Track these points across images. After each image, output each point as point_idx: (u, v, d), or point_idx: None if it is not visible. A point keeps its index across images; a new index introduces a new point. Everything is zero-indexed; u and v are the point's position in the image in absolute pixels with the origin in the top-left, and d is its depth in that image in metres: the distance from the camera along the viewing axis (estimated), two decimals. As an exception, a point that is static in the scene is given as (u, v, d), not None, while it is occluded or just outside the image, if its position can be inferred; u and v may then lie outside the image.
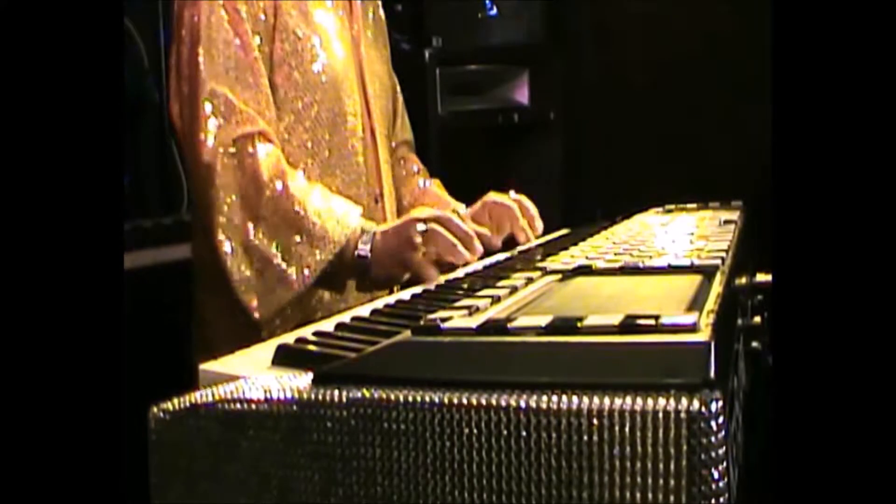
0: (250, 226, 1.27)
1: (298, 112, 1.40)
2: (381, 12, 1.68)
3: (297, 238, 1.27)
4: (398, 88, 1.76)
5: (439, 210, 1.34)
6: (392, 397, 0.59)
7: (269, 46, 1.37)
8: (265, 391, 0.63)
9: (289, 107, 1.39)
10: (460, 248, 1.21)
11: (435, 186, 1.72)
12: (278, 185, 1.28)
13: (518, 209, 1.53)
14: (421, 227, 1.23)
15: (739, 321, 0.99)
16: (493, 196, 1.56)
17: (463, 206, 1.64)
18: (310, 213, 1.28)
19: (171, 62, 1.38)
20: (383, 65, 1.63)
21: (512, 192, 1.58)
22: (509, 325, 0.68)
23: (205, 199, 1.30)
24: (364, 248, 1.27)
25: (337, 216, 1.29)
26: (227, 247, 1.27)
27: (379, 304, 1.03)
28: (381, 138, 1.54)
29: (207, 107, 1.29)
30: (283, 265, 1.27)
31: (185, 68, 1.33)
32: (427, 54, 2.63)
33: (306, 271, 1.27)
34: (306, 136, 1.41)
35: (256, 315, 1.28)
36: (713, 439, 0.51)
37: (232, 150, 1.28)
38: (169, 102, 1.38)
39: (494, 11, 2.74)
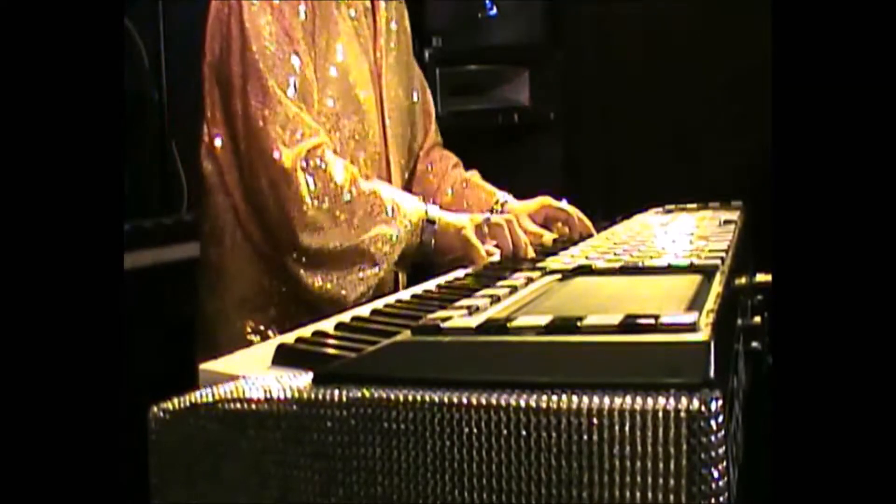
0: (332, 225, 1.34)
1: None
2: (407, 21, 1.69)
3: (380, 221, 1.36)
4: (428, 95, 1.80)
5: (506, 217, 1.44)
6: (392, 397, 0.59)
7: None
8: (265, 391, 0.63)
9: None
10: (515, 247, 1.35)
11: (476, 178, 1.78)
12: (353, 187, 1.36)
13: (576, 217, 1.62)
14: (490, 217, 1.39)
15: (739, 321, 0.99)
16: (550, 201, 1.66)
17: (510, 196, 1.71)
18: (385, 201, 1.38)
19: (211, 82, 1.41)
20: (404, 86, 1.65)
21: (564, 201, 1.66)
22: (509, 325, 0.68)
23: (280, 206, 1.34)
24: (434, 210, 1.41)
25: (406, 198, 1.42)
26: (313, 248, 1.34)
27: (379, 304, 1.03)
28: (395, 167, 1.59)
29: (279, 121, 1.34)
30: (369, 247, 1.35)
31: (242, 88, 1.36)
32: (427, 54, 2.63)
33: (390, 248, 1.37)
34: None
35: (343, 299, 1.35)
36: (713, 439, 0.51)
37: (306, 161, 1.34)
38: (207, 125, 1.42)
39: (494, 11, 2.75)
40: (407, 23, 1.70)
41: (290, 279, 1.38)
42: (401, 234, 1.38)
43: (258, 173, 1.36)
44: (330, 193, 1.35)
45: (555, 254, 1.27)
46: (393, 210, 1.38)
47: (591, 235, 1.58)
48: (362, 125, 1.49)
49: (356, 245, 1.35)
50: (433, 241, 1.40)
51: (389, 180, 1.57)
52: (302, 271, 1.35)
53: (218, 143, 1.42)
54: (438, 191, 1.74)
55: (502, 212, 1.65)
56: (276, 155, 1.33)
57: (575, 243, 1.44)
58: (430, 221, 1.40)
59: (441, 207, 1.68)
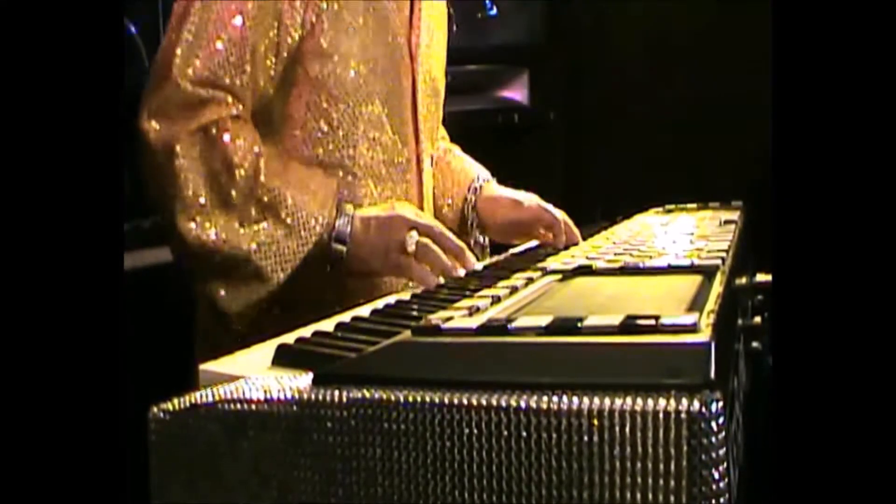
0: (220, 214, 1.16)
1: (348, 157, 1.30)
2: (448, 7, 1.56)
3: (273, 228, 1.17)
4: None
5: (427, 219, 1.24)
6: (392, 397, 0.59)
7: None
8: (265, 391, 0.63)
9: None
10: (451, 265, 1.17)
11: (455, 156, 1.63)
12: (250, 168, 1.17)
13: (563, 223, 1.45)
14: (414, 236, 1.18)
15: (739, 321, 0.99)
16: (539, 201, 1.50)
17: (491, 178, 1.57)
18: (287, 198, 1.18)
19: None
20: (440, 81, 1.49)
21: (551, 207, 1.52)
22: (509, 326, 0.68)
23: (161, 184, 1.17)
24: (344, 231, 1.19)
25: (315, 198, 1.20)
26: (192, 235, 1.15)
27: (379, 304, 1.03)
28: (426, 161, 1.44)
29: (170, 96, 1.17)
30: (258, 259, 1.16)
31: (161, 60, 1.21)
32: (427, 54, 2.63)
33: (283, 265, 1.18)
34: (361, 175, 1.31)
35: (225, 308, 1.19)
36: (713, 440, 0.51)
37: (196, 136, 1.16)
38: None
39: (494, 11, 2.75)
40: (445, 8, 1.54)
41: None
42: (297, 252, 1.17)
43: (139, 156, 1.18)
44: (221, 174, 1.15)
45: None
46: (293, 222, 1.17)
47: (575, 244, 1.44)
48: (386, 113, 1.31)
49: (241, 252, 1.15)
50: (344, 256, 1.19)
51: (420, 184, 1.41)
52: (189, 267, 1.19)
53: None
54: None
55: (478, 194, 1.51)
56: (144, 126, 1.15)
57: (552, 253, 1.33)
58: (340, 240, 1.19)
59: None
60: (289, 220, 1.17)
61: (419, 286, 1.17)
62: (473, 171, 1.59)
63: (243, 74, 1.20)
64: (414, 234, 1.18)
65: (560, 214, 1.48)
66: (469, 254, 1.20)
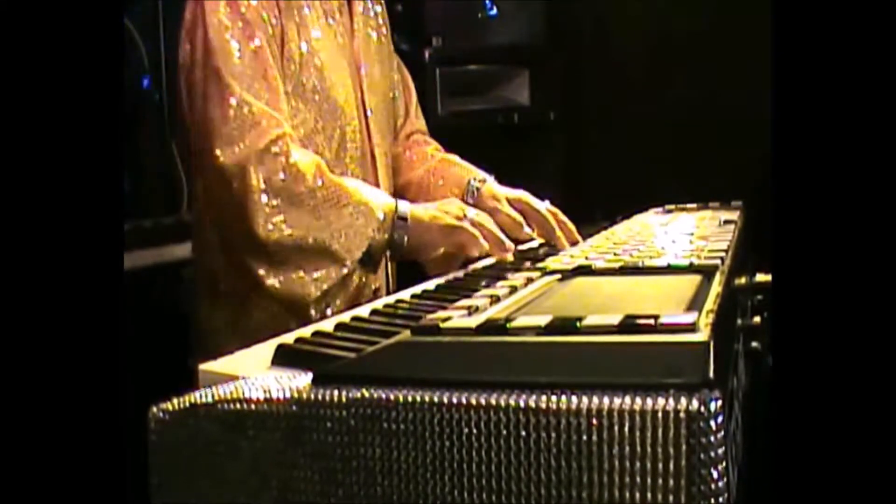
0: (295, 216, 1.29)
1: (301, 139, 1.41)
2: (383, 8, 1.66)
3: (343, 214, 1.31)
4: (410, 83, 1.76)
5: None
6: (392, 397, 0.59)
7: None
8: (265, 391, 0.63)
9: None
10: (505, 241, 1.33)
11: (454, 157, 1.71)
12: (318, 178, 1.31)
13: (554, 221, 1.49)
14: (471, 210, 1.35)
15: (739, 321, 0.99)
16: (530, 199, 1.54)
17: (491, 176, 1.62)
18: (352, 193, 1.32)
19: (182, 87, 1.37)
20: (385, 78, 1.61)
21: (547, 202, 1.54)
22: (509, 326, 0.68)
23: (235, 202, 1.29)
24: (405, 210, 1.34)
25: (373, 190, 1.37)
26: (272, 241, 1.28)
27: (379, 303, 1.03)
28: (381, 161, 1.55)
29: (229, 120, 1.30)
30: (331, 243, 1.30)
31: (202, 75, 1.33)
32: (427, 54, 2.64)
33: (355, 246, 1.32)
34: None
35: (309, 297, 1.31)
36: (712, 439, 0.51)
37: (264, 153, 1.29)
38: (185, 115, 1.38)
39: (494, 11, 2.75)
40: (383, 9, 1.66)
41: (249, 282, 1.33)
42: (367, 230, 1.32)
43: (208, 174, 1.33)
44: (290, 184, 1.29)
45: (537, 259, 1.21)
46: (359, 203, 1.32)
47: (575, 242, 1.47)
48: (340, 126, 1.45)
49: (318, 239, 1.29)
50: (405, 239, 1.33)
51: (375, 175, 1.53)
52: (261, 270, 1.30)
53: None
54: (412, 169, 1.68)
55: (480, 190, 1.57)
56: (217, 153, 1.29)
57: (552, 252, 1.38)
58: (401, 218, 1.33)
59: (412, 184, 1.65)
60: (356, 206, 1.32)
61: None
62: (473, 169, 1.65)
63: (278, 97, 1.35)
64: (471, 209, 1.36)
65: (544, 209, 1.51)
66: (509, 242, 1.34)
